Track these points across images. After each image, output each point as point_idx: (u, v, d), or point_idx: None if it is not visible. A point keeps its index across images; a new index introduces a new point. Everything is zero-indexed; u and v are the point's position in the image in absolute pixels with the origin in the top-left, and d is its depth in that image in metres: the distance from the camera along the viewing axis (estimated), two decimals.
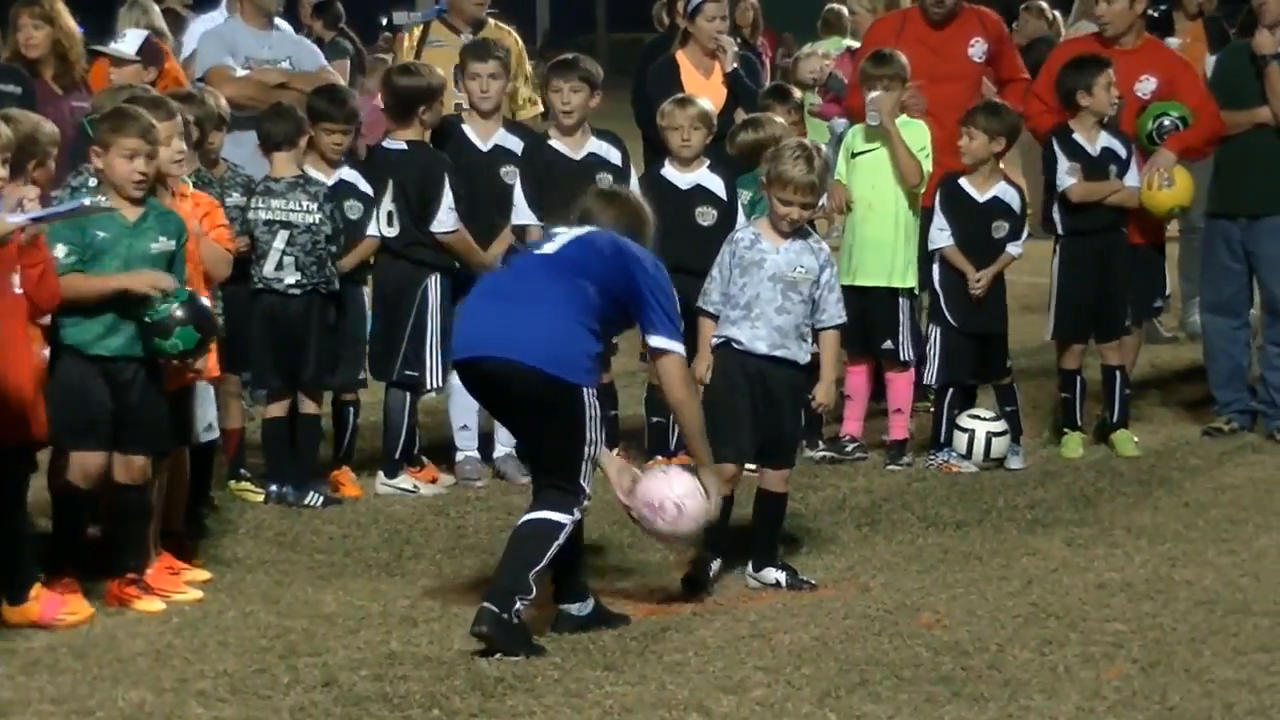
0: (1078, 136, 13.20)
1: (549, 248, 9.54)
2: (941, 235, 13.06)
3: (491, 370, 9.35)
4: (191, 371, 10.16)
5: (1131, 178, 13.15)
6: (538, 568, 9.08)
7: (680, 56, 13.97)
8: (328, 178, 12.26)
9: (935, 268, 13.14)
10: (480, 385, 9.63)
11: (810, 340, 10.35)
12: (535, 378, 9.19)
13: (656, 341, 9.47)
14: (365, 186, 12.34)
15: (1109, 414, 13.44)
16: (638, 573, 10.50)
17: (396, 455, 12.50)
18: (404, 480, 12.45)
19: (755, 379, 10.16)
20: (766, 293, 10.18)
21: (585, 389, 9.31)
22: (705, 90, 13.55)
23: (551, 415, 9.33)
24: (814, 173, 10.28)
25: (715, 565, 10.15)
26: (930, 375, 13.12)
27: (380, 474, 12.49)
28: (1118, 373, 13.33)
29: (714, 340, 10.30)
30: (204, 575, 10.43)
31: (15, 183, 9.46)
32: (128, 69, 13.06)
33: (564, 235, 9.56)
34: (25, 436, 9.50)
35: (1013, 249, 13.09)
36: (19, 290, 9.32)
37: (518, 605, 8.96)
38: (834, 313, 10.38)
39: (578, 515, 9.37)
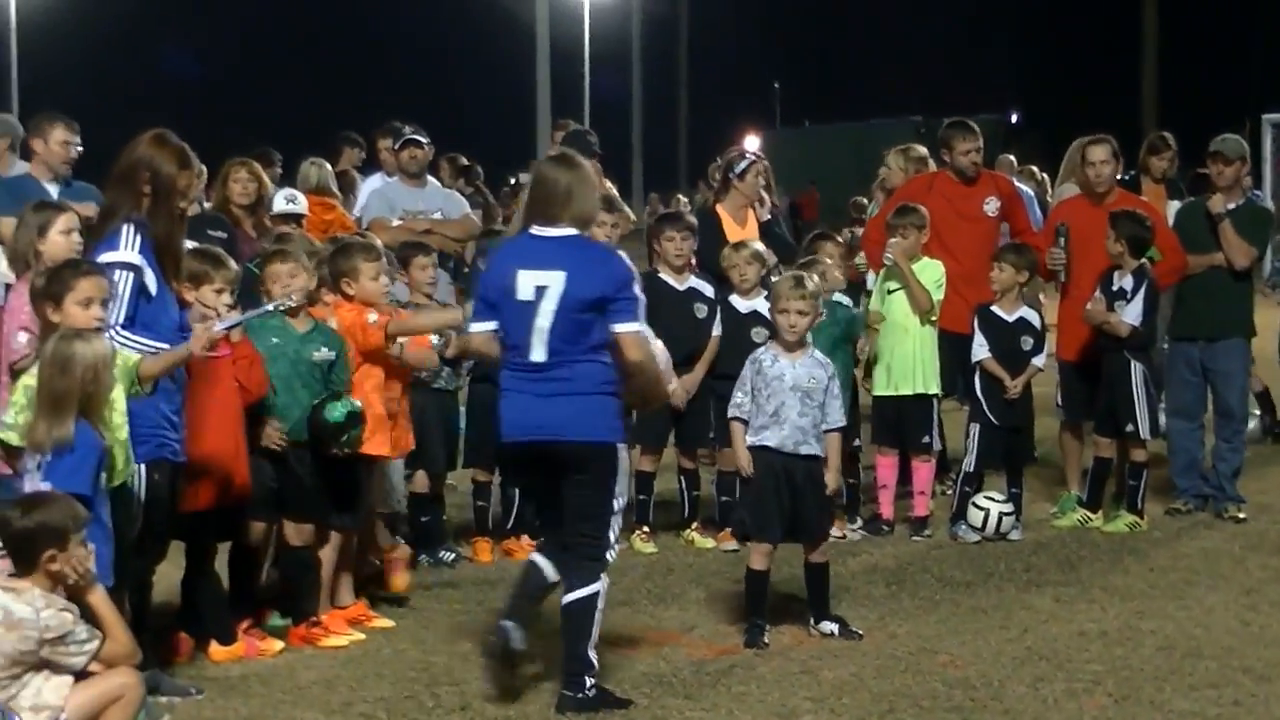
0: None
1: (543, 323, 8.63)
2: (981, 350, 13.08)
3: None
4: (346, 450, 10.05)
5: (1039, 358, 13.18)
6: (589, 641, 8.56)
7: (719, 209, 14.01)
8: None
9: (976, 377, 13.15)
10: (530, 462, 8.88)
11: (821, 438, 10.24)
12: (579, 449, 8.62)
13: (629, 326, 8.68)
14: None
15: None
16: (711, 622, 10.47)
17: None
18: None
19: (782, 474, 10.04)
20: (790, 400, 10.08)
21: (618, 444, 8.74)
22: (740, 237, 13.55)
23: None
24: (803, 287, 10.22)
25: (764, 627, 10.03)
26: (968, 464, 13.07)
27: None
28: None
29: (749, 442, 10.10)
30: (388, 623, 10.45)
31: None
32: (285, 226, 13.25)
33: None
34: (229, 500, 9.57)
35: (1037, 361, 13.14)
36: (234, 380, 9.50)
37: (588, 682, 8.56)
38: (837, 416, 10.25)
39: (606, 577, 8.71)
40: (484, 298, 8.85)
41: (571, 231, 8.74)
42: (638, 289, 8.65)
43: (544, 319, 8.58)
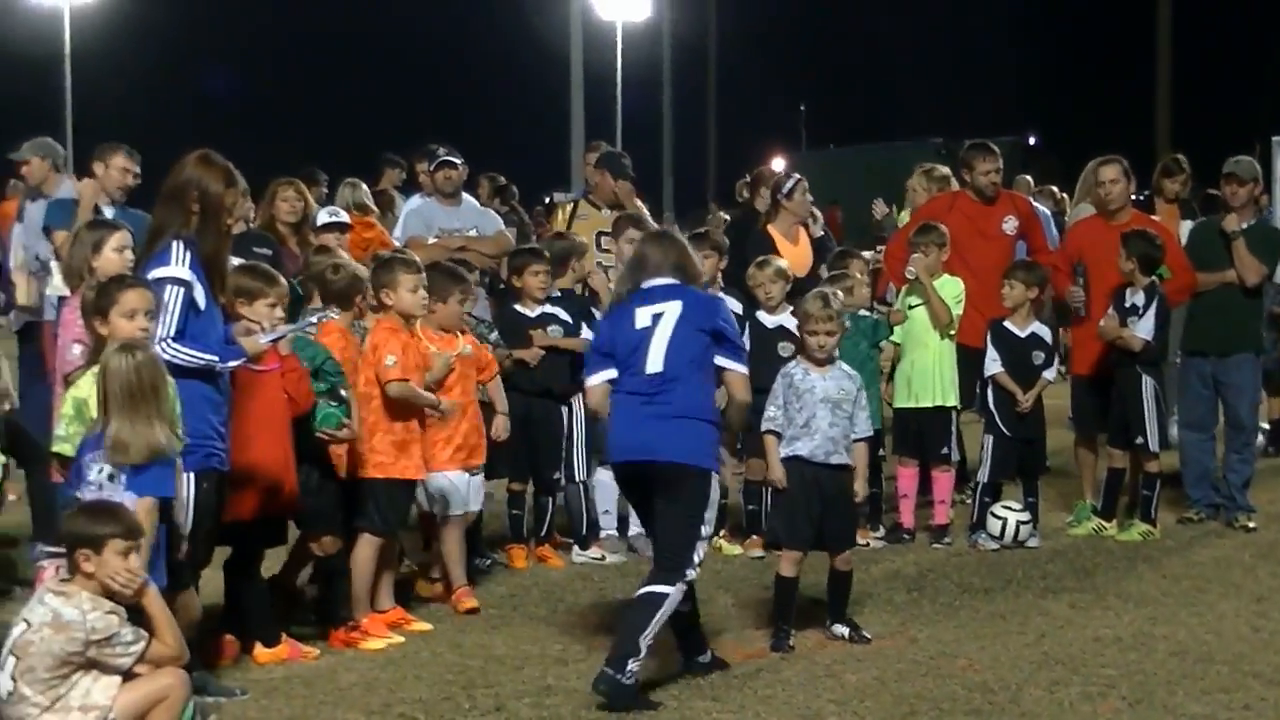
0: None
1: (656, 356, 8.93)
2: (994, 364, 13.11)
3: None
4: (336, 441, 9.91)
5: (1050, 372, 13.23)
6: (645, 632, 8.63)
7: (771, 229, 14.03)
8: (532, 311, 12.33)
9: (989, 391, 13.15)
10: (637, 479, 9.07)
11: (850, 448, 10.23)
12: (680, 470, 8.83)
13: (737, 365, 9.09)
14: (565, 316, 12.37)
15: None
16: (738, 628, 10.48)
17: (584, 532, 12.49)
18: (593, 550, 12.43)
19: (812, 484, 10.03)
20: (821, 412, 10.08)
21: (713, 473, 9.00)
22: (793, 254, 13.59)
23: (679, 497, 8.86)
24: (830, 307, 10.26)
25: (790, 631, 10.02)
26: (983, 474, 13.08)
27: (575, 547, 12.51)
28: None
29: (782, 453, 10.10)
30: (426, 627, 10.45)
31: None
32: (329, 235, 13.26)
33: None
34: (276, 509, 9.57)
35: (1048, 374, 13.17)
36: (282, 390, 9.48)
37: (630, 666, 8.57)
38: (864, 427, 10.26)
39: (682, 586, 8.91)
40: (600, 349, 9.15)
41: (677, 280, 9.08)
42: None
43: (660, 337, 8.90)
